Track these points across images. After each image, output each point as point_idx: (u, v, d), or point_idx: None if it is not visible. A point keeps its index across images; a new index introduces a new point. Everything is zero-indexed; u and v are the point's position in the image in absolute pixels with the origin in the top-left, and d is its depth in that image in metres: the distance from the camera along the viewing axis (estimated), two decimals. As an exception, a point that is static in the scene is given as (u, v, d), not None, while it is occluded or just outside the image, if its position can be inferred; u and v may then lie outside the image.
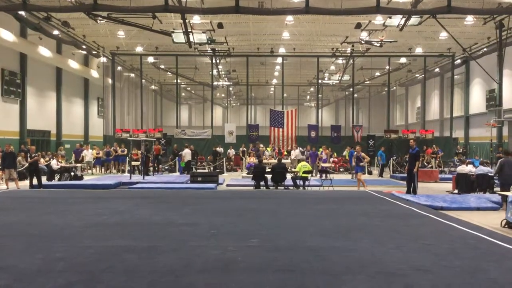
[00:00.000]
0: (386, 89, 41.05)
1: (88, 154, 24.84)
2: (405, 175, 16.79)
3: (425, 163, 25.00)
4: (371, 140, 32.37)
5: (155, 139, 28.28)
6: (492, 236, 8.25)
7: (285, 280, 5.42)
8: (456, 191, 16.13)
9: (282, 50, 34.05)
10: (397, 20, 22.60)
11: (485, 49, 30.94)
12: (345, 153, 27.30)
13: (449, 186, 17.90)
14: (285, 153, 27.49)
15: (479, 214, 11.43)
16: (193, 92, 58.95)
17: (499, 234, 8.63)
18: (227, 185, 19.07)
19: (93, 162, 25.41)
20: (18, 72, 26.71)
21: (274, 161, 21.68)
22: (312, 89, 53.94)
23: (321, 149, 25.70)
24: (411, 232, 8.51)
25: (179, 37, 24.41)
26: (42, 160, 20.66)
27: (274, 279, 5.46)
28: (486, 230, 8.90)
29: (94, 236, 8.01)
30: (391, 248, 7.15)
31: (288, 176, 18.36)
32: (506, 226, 9.50)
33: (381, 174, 23.97)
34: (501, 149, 21.57)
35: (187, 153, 24.29)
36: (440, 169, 24.60)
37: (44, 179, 18.55)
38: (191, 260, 6.34)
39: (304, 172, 17.60)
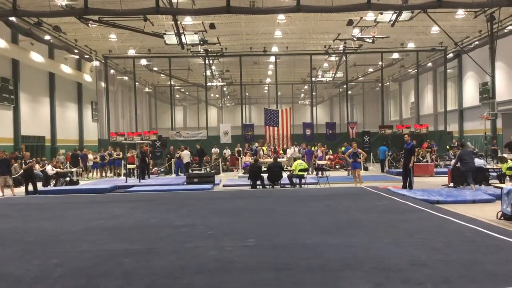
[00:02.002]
0: (380, 85, 41.15)
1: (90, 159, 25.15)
2: (401, 170, 16.85)
3: (420, 158, 25.07)
4: (366, 136, 32.43)
5: (149, 142, 28.21)
6: (488, 228, 8.29)
7: (283, 279, 5.43)
8: (451, 184, 16.18)
9: (275, 49, 34.06)
10: (388, 16, 22.62)
11: (476, 42, 31.04)
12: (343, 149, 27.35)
13: (444, 179, 17.97)
14: (281, 151, 27.50)
15: (475, 207, 11.48)
16: (187, 93, 58.87)
17: (495, 226, 8.66)
18: (224, 186, 19.07)
19: (91, 166, 25.49)
20: (10, 79, 26.58)
21: (270, 160, 21.67)
22: (306, 87, 53.96)
23: (316, 147, 25.73)
24: (407, 227, 8.53)
25: (171, 39, 24.34)
26: (37, 166, 20.58)
27: (271, 278, 5.47)
28: (482, 223, 8.94)
29: (91, 240, 7.99)
30: (388, 243, 7.17)
31: (284, 174, 18.37)
32: (502, 218, 9.54)
33: (382, 170, 24.20)
34: (457, 141, 21.82)
35: (185, 155, 24.32)
36: (435, 163, 24.68)
37: (39, 185, 18.48)
38: (188, 261, 6.34)
39: (300, 170, 17.63)
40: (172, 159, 25.58)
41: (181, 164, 24.52)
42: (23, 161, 18.08)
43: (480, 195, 12.79)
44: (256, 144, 27.50)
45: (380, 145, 27.32)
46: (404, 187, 15.29)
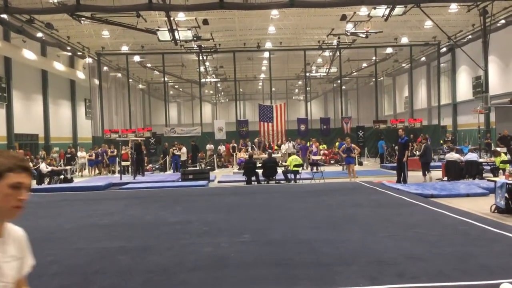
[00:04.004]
0: (374, 79, 41.20)
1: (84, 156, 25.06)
2: (395, 164, 16.91)
3: (414, 152, 25.13)
4: (360, 131, 32.48)
5: (143, 139, 28.14)
6: (482, 221, 8.34)
7: (278, 274, 5.44)
8: (445, 178, 16.27)
9: (268, 45, 34.00)
10: (381, 10, 22.62)
11: (470, 37, 31.14)
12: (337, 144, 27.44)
13: (438, 173, 18.04)
14: (276, 147, 27.51)
15: (469, 200, 11.54)
16: (181, 89, 58.71)
17: (489, 219, 8.71)
18: (219, 182, 19.07)
19: (86, 164, 25.43)
20: (3, 76, 26.44)
21: (265, 155, 21.69)
22: (300, 82, 53.94)
23: (310, 142, 25.79)
24: (402, 221, 8.57)
25: (165, 35, 24.24)
26: (30, 164, 20.48)
27: (267, 273, 5.48)
28: (476, 216, 8.99)
29: (85, 238, 7.97)
30: (383, 237, 7.20)
31: (279, 170, 18.39)
32: (496, 211, 9.61)
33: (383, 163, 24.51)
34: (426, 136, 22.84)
35: (183, 152, 24.31)
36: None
37: (33, 183, 18.38)
38: (184, 258, 6.34)
39: (295, 165, 17.64)
40: (167, 156, 25.53)
41: (177, 161, 24.55)
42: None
43: (474, 188, 12.86)
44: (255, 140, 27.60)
45: (377, 139, 27.51)
46: (398, 181, 15.36)
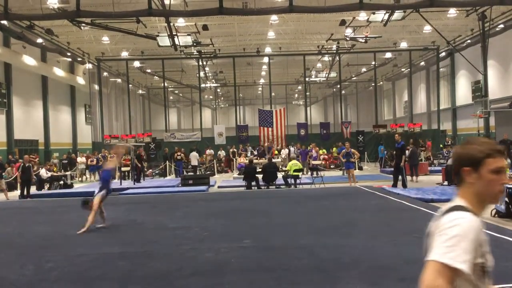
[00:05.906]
0: (373, 84, 41.25)
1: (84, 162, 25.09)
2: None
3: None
4: (360, 135, 32.48)
5: (143, 144, 28.15)
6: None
7: (279, 279, 5.43)
8: (446, 183, 16.24)
9: (268, 50, 34.06)
10: (380, 15, 22.71)
11: (469, 41, 31.20)
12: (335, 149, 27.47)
13: (439, 178, 18.02)
14: (276, 152, 27.53)
15: (469, 204, 11.50)
16: (181, 95, 58.80)
17: (489, 223, 8.68)
18: (219, 187, 19.03)
19: (85, 169, 25.42)
20: (3, 82, 26.44)
21: (265, 160, 21.69)
22: (299, 87, 54.01)
23: (310, 147, 25.80)
24: (402, 226, 8.56)
25: (164, 41, 24.33)
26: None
27: (267, 279, 5.46)
28: (477, 220, 8.96)
29: (86, 244, 7.95)
30: (383, 242, 7.19)
31: (279, 175, 18.38)
32: (496, 215, 9.60)
33: (383, 167, 24.56)
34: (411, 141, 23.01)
35: (192, 156, 24.33)
36: (428, 155, 24.81)
37: (33, 189, 18.34)
38: (184, 263, 6.33)
39: (295, 170, 17.64)
40: (167, 161, 25.53)
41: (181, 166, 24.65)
42: (23, 164, 17.88)
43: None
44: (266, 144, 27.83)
45: (376, 144, 27.61)
46: (394, 185, 15.31)
